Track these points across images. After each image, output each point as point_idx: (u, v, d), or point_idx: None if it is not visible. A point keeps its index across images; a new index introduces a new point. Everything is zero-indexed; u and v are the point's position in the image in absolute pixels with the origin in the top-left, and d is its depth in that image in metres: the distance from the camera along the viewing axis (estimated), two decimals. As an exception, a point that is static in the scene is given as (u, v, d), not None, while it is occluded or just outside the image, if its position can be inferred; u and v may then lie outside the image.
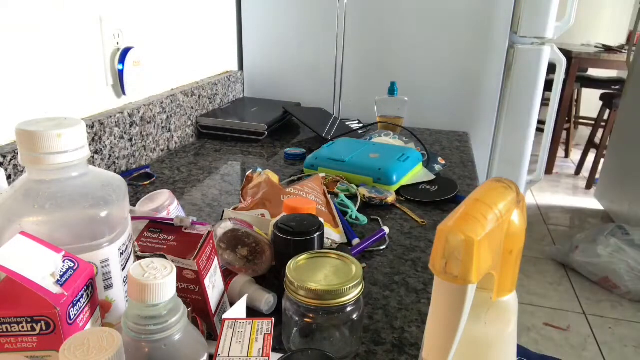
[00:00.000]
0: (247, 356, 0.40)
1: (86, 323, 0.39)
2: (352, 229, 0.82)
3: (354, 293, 0.52)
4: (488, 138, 1.50)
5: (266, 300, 0.60)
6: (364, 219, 0.86)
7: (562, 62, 1.46)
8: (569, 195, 3.34)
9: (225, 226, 0.61)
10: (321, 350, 0.44)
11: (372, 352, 0.57)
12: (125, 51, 1.01)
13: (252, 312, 0.60)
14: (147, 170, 1.04)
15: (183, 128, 1.24)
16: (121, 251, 0.46)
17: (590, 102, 4.71)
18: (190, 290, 0.52)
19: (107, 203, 0.43)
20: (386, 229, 0.81)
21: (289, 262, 0.54)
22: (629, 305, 2.15)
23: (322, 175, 0.98)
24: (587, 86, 3.94)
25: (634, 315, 2.08)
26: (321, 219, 0.64)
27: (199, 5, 1.31)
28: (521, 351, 1.55)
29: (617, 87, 3.77)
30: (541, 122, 1.73)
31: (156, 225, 0.54)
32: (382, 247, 0.79)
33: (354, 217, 0.86)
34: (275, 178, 0.91)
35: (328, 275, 0.53)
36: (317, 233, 0.62)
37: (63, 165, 0.41)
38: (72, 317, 0.37)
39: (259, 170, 0.92)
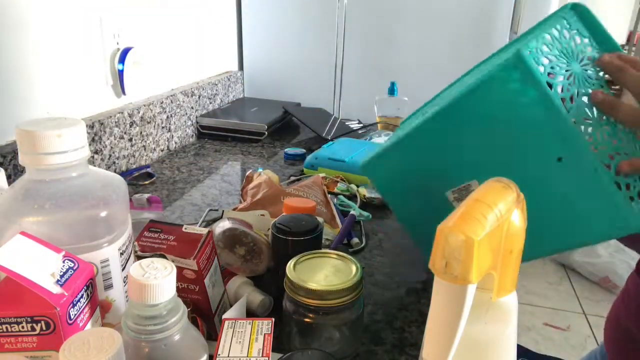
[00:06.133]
0: (247, 356, 0.40)
1: (86, 323, 0.39)
2: (353, 229, 0.82)
3: (354, 293, 0.52)
4: (488, 138, 1.50)
5: (261, 302, 0.59)
6: (368, 215, 0.86)
7: (562, 62, 1.46)
8: (569, 195, 3.34)
9: (223, 225, 0.61)
10: (321, 350, 0.44)
11: (372, 352, 0.57)
12: (125, 51, 1.01)
13: (250, 313, 0.60)
14: (148, 170, 1.04)
15: (183, 128, 1.24)
16: (121, 251, 0.46)
17: (590, 102, 4.71)
18: (190, 290, 0.52)
19: (107, 203, 0.43)
20: (354, 212, 0.84)
21: (289, 262, 0.54)
22: (629, 305, 2.15)
23: (322, 175, 0.98)
24: (587, 86, 3.93)
25: (634, 315, 2.08)
26: (321, 219, 0.64)
27: (199, 5, 1.31)
28: (521, 351, 1.55)
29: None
30: (541, 122, 1.73)
31: (156, 225, 0.54)
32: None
33: (357, 214, 0.86)
34: (275, 178, 0.91)
35: (328, 275, 0.53)
36: (316, 233, 0.62)
37: (63, 165, 0.41)
38: (72, 317, 0.37)
39: (259, 170, 0.92)
